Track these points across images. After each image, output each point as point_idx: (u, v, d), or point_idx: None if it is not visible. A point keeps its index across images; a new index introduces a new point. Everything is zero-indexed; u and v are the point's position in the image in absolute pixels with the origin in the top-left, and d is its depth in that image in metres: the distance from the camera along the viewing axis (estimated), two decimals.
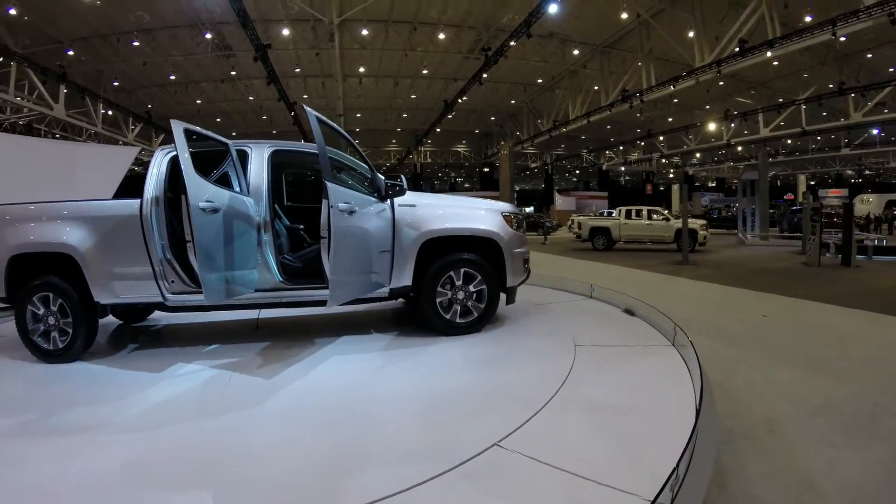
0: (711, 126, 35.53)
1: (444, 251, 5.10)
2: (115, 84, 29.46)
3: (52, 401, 3.75)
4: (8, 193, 5.36)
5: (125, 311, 5.97)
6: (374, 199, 4.87)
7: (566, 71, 30.35)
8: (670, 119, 39.60)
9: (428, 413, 3.30)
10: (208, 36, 23.76)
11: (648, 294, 9.04)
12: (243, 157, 4.90)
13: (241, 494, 2.38)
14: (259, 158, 4.91)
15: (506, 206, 5.67)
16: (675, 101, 34.33)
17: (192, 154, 4.12)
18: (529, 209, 54.89)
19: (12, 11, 19.31)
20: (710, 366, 4.28)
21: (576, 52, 27.57)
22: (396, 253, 4.97)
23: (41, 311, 4.54)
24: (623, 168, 57.46)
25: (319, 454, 2.73)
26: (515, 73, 30.71)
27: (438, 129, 44.53)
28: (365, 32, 24.99)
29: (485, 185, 47.26)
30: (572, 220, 22.92)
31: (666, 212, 20.02)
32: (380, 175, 5.02)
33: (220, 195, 4.25)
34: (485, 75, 25.09)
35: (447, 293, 5.09)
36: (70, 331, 4.53)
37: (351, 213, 4.34)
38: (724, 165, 56.54)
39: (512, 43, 21.40)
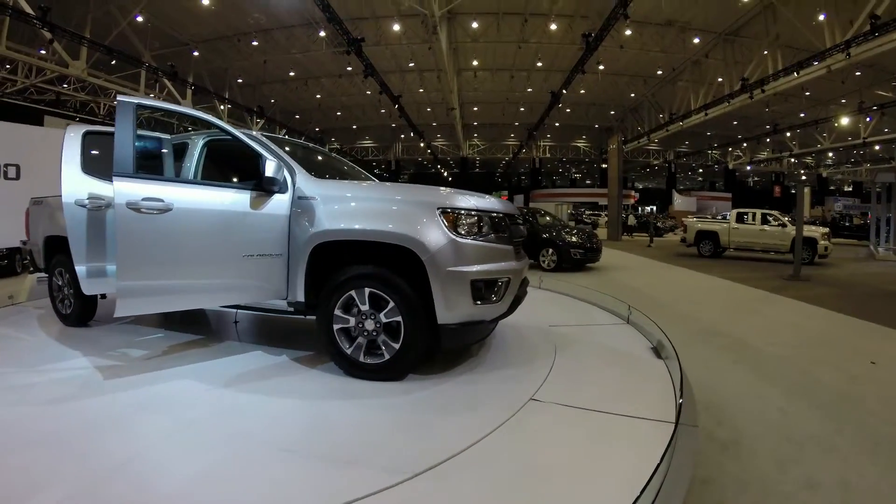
0: (844, 121, 31.42)
1: (351, 261, 3.84)
2: (240, 81, 31.31)
3: None
4: None
5: None
6: (246, 190, 3.86)
7: (687, 61, 28.24)
8: (802, 115, 35.71)
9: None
10: (322, 34, 24.46)
11: (732, 316, 7.98)
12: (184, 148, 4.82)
13: None
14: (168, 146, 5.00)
15: (457, 198, 3.79)
16: (807, 94, 30.94)
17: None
18: (652, 208, 52.47)
19: (139, 19, 21.22)
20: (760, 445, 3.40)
21: (696, 40, 25.49)
22: (292, 258, 3.94)
23: (60, 283, 5.40)
24: (750, 168, 53.15)
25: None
26: (634, 65, 29.15)
27: (557, 124, 43.72)
28: (475, 25, 24.82)
29: (604, 181, 45.80)
30: (682, 223, 21.01)
31: (786, 217, 17.78)
32: (275, 163, 3.84)
33: None
34: (600, 66, 24.06)
35: (348, 319, 3.78)
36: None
37: (146, 210, 3.49)
38: (863, 168, 49.48)
39: (612, 27, 19.63)
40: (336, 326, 3.80)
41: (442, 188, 4.05)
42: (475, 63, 30.54)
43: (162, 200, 3.53)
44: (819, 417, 4.05)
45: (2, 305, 6.40)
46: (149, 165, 5.13)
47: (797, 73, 20.19)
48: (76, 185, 4.51)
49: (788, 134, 38.12)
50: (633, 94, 35.84)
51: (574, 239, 13.61)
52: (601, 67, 24.34)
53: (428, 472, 2.43)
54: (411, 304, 3.61)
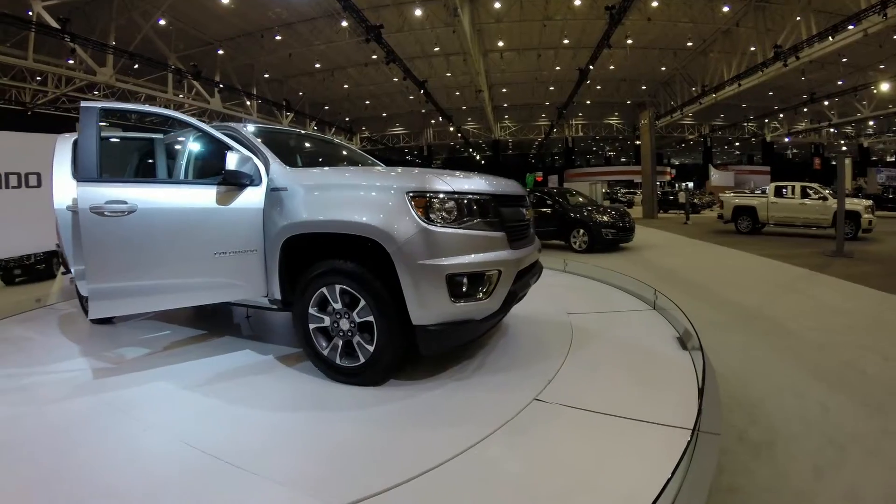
0: (885, 87, 29.65)
1: (325, 255, 3.54)
2: (267, 76, 31.48)
3: None
4: None
5: None
6: (212, 186, 3.68)
7: (718, 31, 26.95)
8: (840, 83, 33.85)
9: None
10: (344, 24, 24.31)
11: (771, 297, 7.52)
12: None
13: None
14: (160, 146, 4.93)
15: (431, 180, 3.33)
16: (844, 60, 29.29)
17: None
18: (689, 185, 51.17)
19: (162, 22, 21.62)
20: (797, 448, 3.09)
21: (725, 8, 24.24)
22: (268, 254, 3.71)
23: None
24: (788, 140, 51.02)
25: None
26: (663, 38, 28.03)
27: (589, 102, 42.90)
28: (498, 6, 24.35)
29: (639, 159, 44.92)
30: (718, 199, 20.22)
31: (826, 190, 16.87)
32: (238, 155, 3.65)
33: None
34: (629, 41, 23.46)
35: (323, 318, 3.54)
36: None
37: (110, 213, 3.42)
38: None
39: None
40: (312, 326, 3.58)
41: (418, 169, 3.72)
42: (500, 44, 29.97)
43: (125, 203, 3.45)
44: (865, 416, 3.61)
45: (29, 308, 6.44)
46: (145, 167, 5.10)
47: (832, 38, 19.07)
48: (67, 191, 4.52)
49: (826, 103, 36.26)
50: (663, 68, 34.60)
51: (605, 218, 13.30)
52: (629, 42, 23.71)
53: (405, 486, 2.25)
54: (382, 302, 3.28)
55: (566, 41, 29.29)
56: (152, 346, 4.58)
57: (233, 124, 4.27)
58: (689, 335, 4.13)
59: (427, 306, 3.19)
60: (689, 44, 29.51)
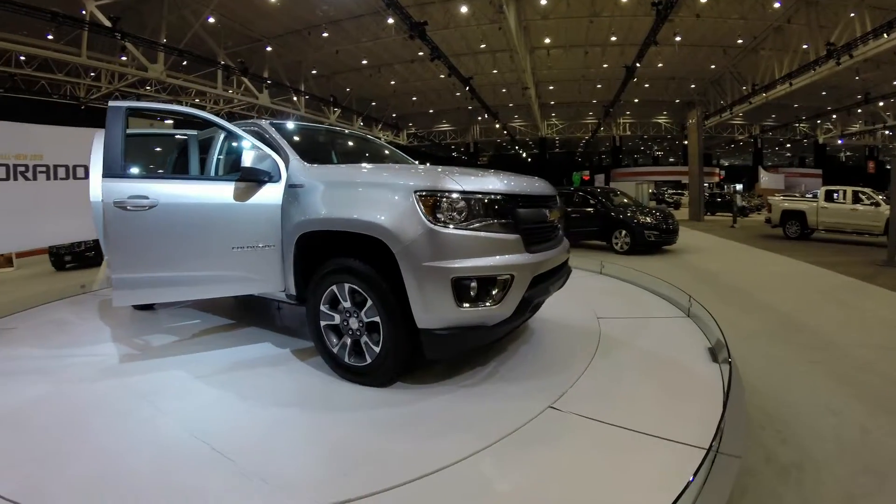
0: None
1: (337, 253, 3.52)
2: (314, 72, 32.01)
3: None
4: None
5: None
6: (231, 182, 3.74)
7: (769, 28, 26.07)
8: None
9: None
10: (391, 21, 24.48)
11: (815, 307, 7.14)
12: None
13: None
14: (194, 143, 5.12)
15: (441, 179, 3.24)
16: None
17: None
18: (737, 186, 49.71)
19: (211, 20, 22.29)
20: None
21: (777, 4, 23.42)
22: (285, 250, 3.73)
23: None
24: (841, 142, 48.84)
25: None
26: (712, 35, 27.32)
27: (637, 100, 42.20)
28: (544, 2, 24.16)
29: (687, 159, 44.02)
30: (766, 201, 19.39)
31: (879, 196, 16.02)
32: (255, 153, 3.71)
33: None
34: (677, 38, 22.98)
35: (333, 316, 3.55)
36: None
37: (132, 208, 3.56)
38: None
39: None
40: (323, 323, 3.59)
41: (429, 167, 3.69)
42: (547, 41, 29.70)
43: (147, 198, 3.58)
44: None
45: (74, 294, 6.78)
46: (182, 163, 5.25)
47: (886, 35, 18.29)
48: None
49: (882, 104, 34.86)
50: (713, 66, 33.78)
51: (648, 220, 13.02)
52: (678, 39, 23.21)
53: (391, 492, 2.22)
54: (388, 303, 3.21)
55: (613, 38, 28.85)
56: (181, 333, 4.81)
57: (260, 121, 4.35)
58: (720, 346, 3.89)
59: (432, 310, 3.10)
60: (740, 41, 28.68)
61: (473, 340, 3.38)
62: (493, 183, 3.40)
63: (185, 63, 23.53)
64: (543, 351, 4.16)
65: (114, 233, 3.56)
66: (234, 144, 4.30)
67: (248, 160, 3.63)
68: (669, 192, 46.88)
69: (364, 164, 4.27)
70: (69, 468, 2.47)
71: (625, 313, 5.38)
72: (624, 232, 12.98)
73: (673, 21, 20.18)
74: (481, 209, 3.25)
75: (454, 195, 3.17)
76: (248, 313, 5.53)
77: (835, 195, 16.44)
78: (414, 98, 41.91)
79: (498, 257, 3.20)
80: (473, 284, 3.12)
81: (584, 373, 3.59)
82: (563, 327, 4.79)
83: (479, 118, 47.80)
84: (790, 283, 9.24)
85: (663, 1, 18.51)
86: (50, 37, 18.53)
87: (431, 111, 46.73)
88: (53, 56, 19.59)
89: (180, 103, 30.16)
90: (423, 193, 3.14)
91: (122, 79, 23.96)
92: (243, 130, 4.05)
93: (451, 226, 3.13)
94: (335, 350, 3.55)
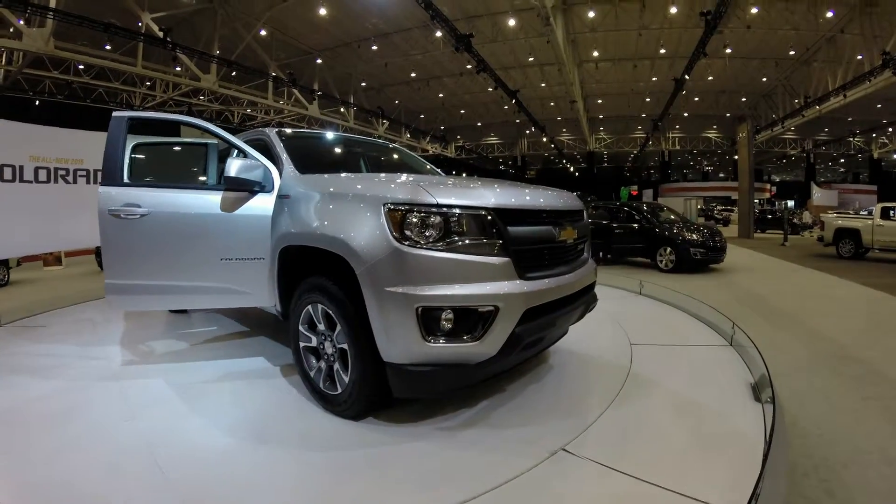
0: None
1: (313, 271, 3.26)
2: (363, 85, 32.54)
3: None
4: None
5: None
6: (218, 191, 3.63)
7: (822, 39, 25.10)
8: None
9: None
10: (439, 34, 24.63)
11: (870, 335, 6.41)
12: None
13: None
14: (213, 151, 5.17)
15: (414, 190, 2.84)
16: None
17: None
18: (789, 203, 48.02)
19: (263, 32, 23.05)
20: None
21: (829, 14, 22.44)
22: (272, 262, 3.53)
23: None
24: None
25: None
26: (764, 47, 26.49)
27: (686, 114, 41.38)
28: (592, 15, 23.88)
29: (737, 174, 42.84)
30: (819, 219, 18.42)
31: None
32: (241, 162, 3.51)
33: None
34: (728, 50, 22.37)
35: (310, 337, 3.27)
36: None
37: (125, 216, 3.59)
38: None
39: (731, 2, 17.74)
40: (301, 344, 3.37)
41: (411, 175, 3.50)
42: (595, 54, 29.43)
43: (139, 206, 3.62)
44: None
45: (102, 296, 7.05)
46: (200, 172, 5.27)
47: None
48: None
49: None
50: (764, 79, 32.72)
51: (695, 237, 12.53)
52: (728, 51, 22.57)
53: None
54: (355, 329, 2.86)
55: (663, 51, 28.34)
56: (191, 339, 5.01)
57: (265, 129, 4.33)
58: (764, 382, 3.48)
59: (395, 342, 2.70)
60: (791, 52, 27.70)
61: (450, 381, 2.90)
62: (478, 195, 2.94)
63: (234, 74, 24.25)
64: (567, 379, 3.86)
65: (108, 240, 3.65)
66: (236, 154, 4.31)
67: (232, 170, 3.45)
68: (718, 208, 45.70)
69: (351, 174, 3.88)
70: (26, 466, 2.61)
71: (661, 340, 5.02)
72: (669, 249, 12.54)
73: (722, 33, 19.67)
74: (461, 226, 2.80)
75: (426, 209, 2.75)
76: (263, 322, 5.57)
77: (891, 213, 15.53)
78: (462, 111, 42.10)
79: (478, 284, 2.73)
80: (447, 316, 2.68)
81: (609, 407, 3.27)
82: (593, 352, 4.49)
83: (527, 132, 47.57)
84: (843, 307, 8.60)
85: (712, 11, 17.97)
86: (108, 47, 19.24)
87: (479, 124, 46.78)
88: (110, 65, 20.43)
89: (232, 113, 31.04)
90: (392, 207, 2.76)
91: (175, 88, 24.81)
92: (249, 140, 4.06)
93: (422, 245, 2.71)
94: (312, 373, 3.33)
